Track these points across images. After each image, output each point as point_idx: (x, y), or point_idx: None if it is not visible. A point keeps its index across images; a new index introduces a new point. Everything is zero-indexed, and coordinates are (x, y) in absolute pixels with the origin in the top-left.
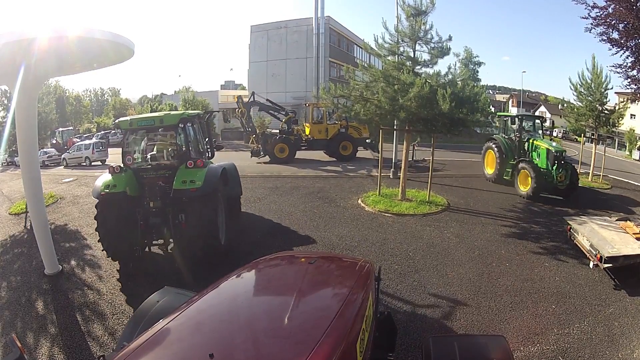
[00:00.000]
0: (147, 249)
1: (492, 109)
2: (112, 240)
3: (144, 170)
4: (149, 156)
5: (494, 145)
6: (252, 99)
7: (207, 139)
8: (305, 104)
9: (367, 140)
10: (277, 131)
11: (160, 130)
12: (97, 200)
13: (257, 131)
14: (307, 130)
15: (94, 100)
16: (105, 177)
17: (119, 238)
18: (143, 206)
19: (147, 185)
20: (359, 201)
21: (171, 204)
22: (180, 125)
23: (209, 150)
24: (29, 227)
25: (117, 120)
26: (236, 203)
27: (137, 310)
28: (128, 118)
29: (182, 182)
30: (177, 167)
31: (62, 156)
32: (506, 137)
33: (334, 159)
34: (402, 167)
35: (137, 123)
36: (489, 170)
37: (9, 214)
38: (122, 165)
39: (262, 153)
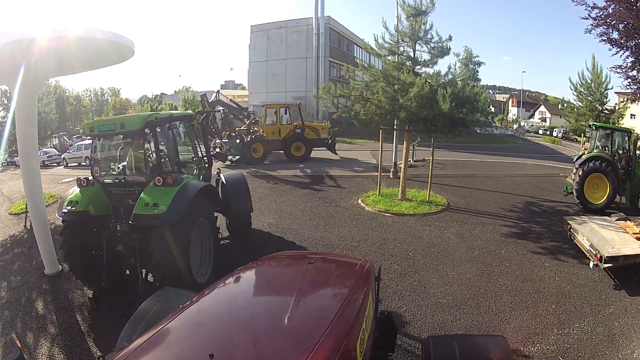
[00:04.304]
0: (116, 279)
1: (492, 109)
2: (76, 266)
3: (114, 184)
4: (120, 167)
5: (604, 166)
6: (216, 98)
7: (203, 145)
8: (262, 105)
9: (327, 141)
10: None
11: (122, 136)
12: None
13: (222, 133)
14: (263, 131)
15: (94, 100)
16: (71, 192)
17: (83, 264)
18: (109, 228)
19: (115, 203)
20: (359, 201)
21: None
22: (145, 130)
23: (204, 158)
24: (29, 227)
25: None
26: (244, 221)
27: (136, 311)
28: (91, 121)
29: (144, 205)
30: (147, 183)
31: (62, 156)
32: (609, 154)
33: (334, 159)
34: (402, 167)
35: (97, 128)
36: (594, 199)
37: (9, 214)
38: (89, 178)
39: (230, 157)
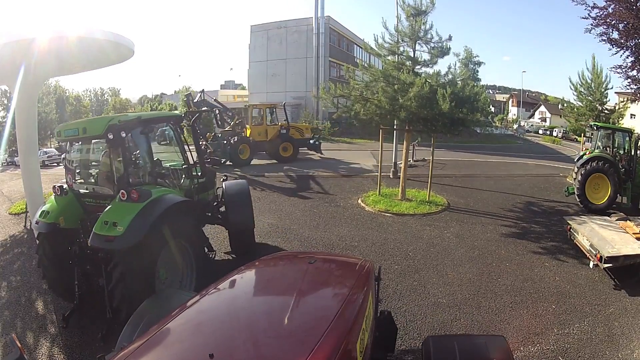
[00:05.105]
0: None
1: (492, 109)
2: (48, 280)
3: (86, 195)
4: (94, 175)
5: (606, 166)
6: (201, 98)
7: (195, 150)
8: (246, 105)
9: (310, 141)
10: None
11: (86, 142)
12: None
13: (206, 134)
14: (248, 132)
15: (93, 100)
16: (48, 200)
17: (55, 279)
18: (80, 243)
19: (86, 216)
20: (359, 201)
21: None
22: (109, 135)
23: (196, 166)
24: (29, 227)
25: None
26: (245, 235)
27: (137, 311)
28: (60, 125)
29: (104, 223)
30: (115, 196)
31: (62, 156)
32: (610, 154)
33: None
34: (402, 167)
35: (64, 132)
36: (595, 200)
37: (9, 214)
38: (64, 186)
39: (221, 159)
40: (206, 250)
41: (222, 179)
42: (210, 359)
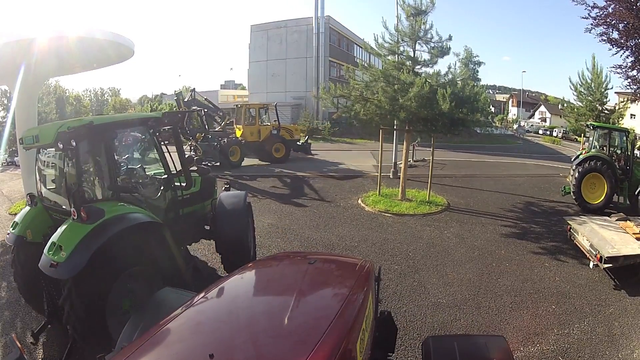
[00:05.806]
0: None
1: (492, 109)
2: (24, 292)
3: (51, 207)
4: (58, 185)
5: (602, 166)
6: (192, 97)
7: (178, 157)
8: (237, 105)
9: (298, 142)
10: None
11: (41, 150)
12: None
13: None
14: (239, 132)
15: (93, 100)
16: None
17: (28, 293)
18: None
19: (51, 230)
20: (359, 201)
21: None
22: (59, 144)
23: (179, 175)
24: None
25: None
26: (239, 253)
27: (136, 311)
28: (24, 131)
29: (52, 244)
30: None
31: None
32: (607, 154)
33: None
34: (402, 167)
35: (25, 139)
36: (592, 199)
37: (9, 214)
38: (36, 195)
39: (212, 161)
40: (191, 271)
41: (223, 188)
42: (210, 359)
